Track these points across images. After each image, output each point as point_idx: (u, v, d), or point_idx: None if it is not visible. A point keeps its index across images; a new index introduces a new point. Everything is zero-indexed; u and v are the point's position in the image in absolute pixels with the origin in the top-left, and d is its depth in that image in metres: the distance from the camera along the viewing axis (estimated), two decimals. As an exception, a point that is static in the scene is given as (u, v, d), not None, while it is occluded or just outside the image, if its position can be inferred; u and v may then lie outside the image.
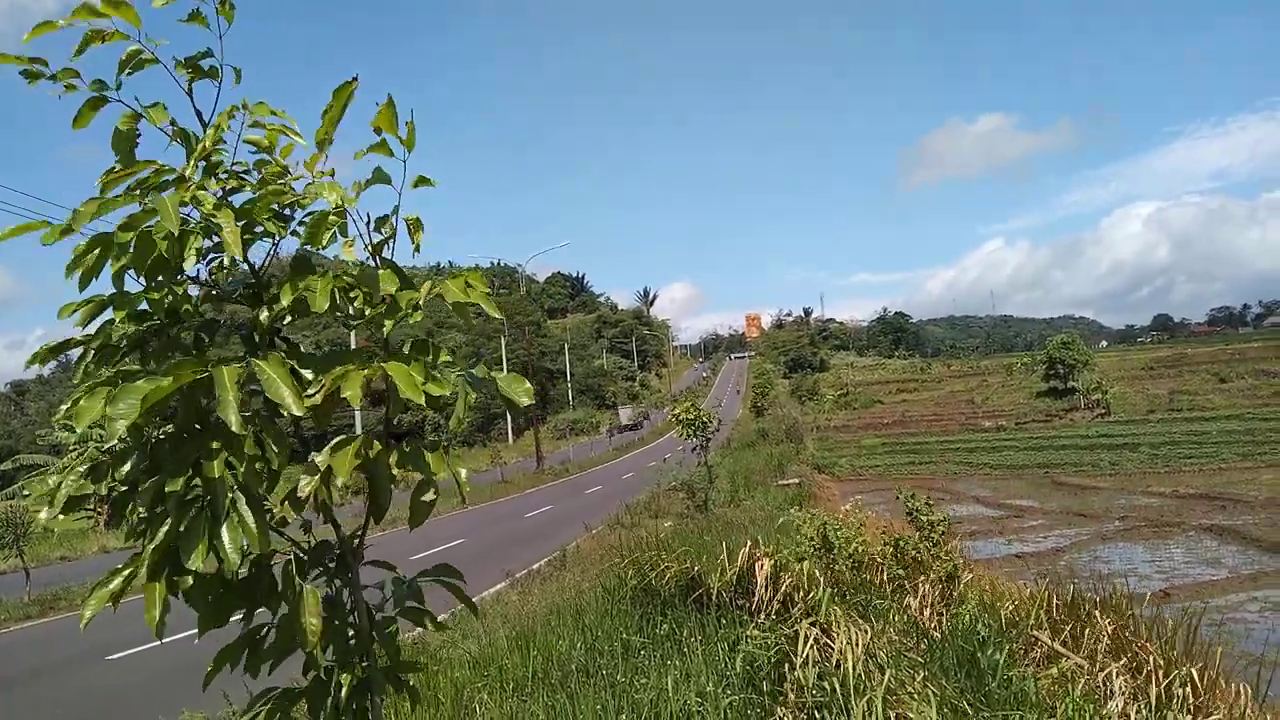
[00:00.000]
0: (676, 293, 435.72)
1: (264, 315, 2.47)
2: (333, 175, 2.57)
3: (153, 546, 2.22)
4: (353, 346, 2.70)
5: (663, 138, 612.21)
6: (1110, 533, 29.96)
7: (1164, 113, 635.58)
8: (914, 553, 9.40)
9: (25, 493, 41.65)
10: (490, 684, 7.33)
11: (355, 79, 2.51)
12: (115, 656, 12.85)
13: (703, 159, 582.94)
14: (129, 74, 2.42)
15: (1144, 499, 38.10)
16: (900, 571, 8.90)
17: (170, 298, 2.36)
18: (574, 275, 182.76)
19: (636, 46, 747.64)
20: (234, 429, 2.06)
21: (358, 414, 36.97)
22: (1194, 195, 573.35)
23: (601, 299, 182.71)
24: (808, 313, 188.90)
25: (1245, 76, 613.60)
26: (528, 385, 2.59)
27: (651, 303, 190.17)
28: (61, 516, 2.54)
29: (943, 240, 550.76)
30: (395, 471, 2.51)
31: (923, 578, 8.62)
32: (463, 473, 2.53)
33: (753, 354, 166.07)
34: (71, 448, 43.65)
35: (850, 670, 5.57)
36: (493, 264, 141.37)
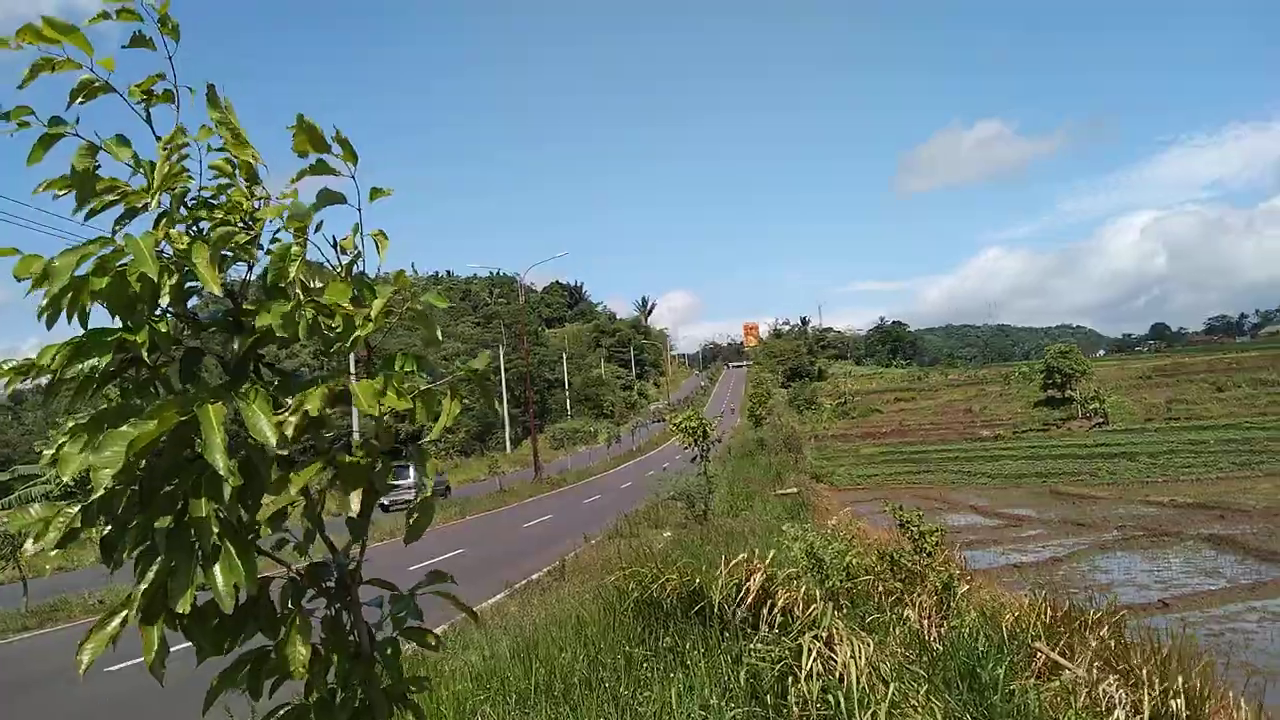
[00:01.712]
0: (674, 301, 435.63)
1: (236, 345, 2.46)
2: (296, 195, 2.54)
3: (144, 588, 2.20)
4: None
5: (660, 147, 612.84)
6: (1108, 542, 29.97)
7: (1161, 122, 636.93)
8: (909, 565, 9.44)
9: (21, 501, 41.56)
10: (493, 696, 7.34)
11: (211, 85, 2.50)
12: (115, 668, 12.81)
13: (700, 168, 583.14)
14: (82, 103, 2.37)
15: (1142, 508, 38.12)
16: (897, 585, 8.92)
17: (147, 334, 2.33)
18: (572, 284, 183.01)
19: (630, 54, 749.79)
20: (221, 473, 2.05)
21: (355, 427, 36.90)
22: (1191, 204, 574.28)
23: (600, 308, 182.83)
24: (805, 322, 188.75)
25: (1240, 86, 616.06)
26: (488, 354, 2.72)
27: (649, 312, 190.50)
28: (54, 553, 2.53)
29: (941, 248, 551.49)
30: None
31: (919, 589, 8.64)
32: (429, 483, 2.61)
33: (750, 363, 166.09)
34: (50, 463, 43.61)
35: (855, 684, 5.59)
36: (491, 273, 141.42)
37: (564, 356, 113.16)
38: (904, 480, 57.24)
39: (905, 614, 8.12)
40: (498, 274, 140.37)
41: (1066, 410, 74.57)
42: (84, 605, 19.15)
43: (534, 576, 17.60)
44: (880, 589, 8.78)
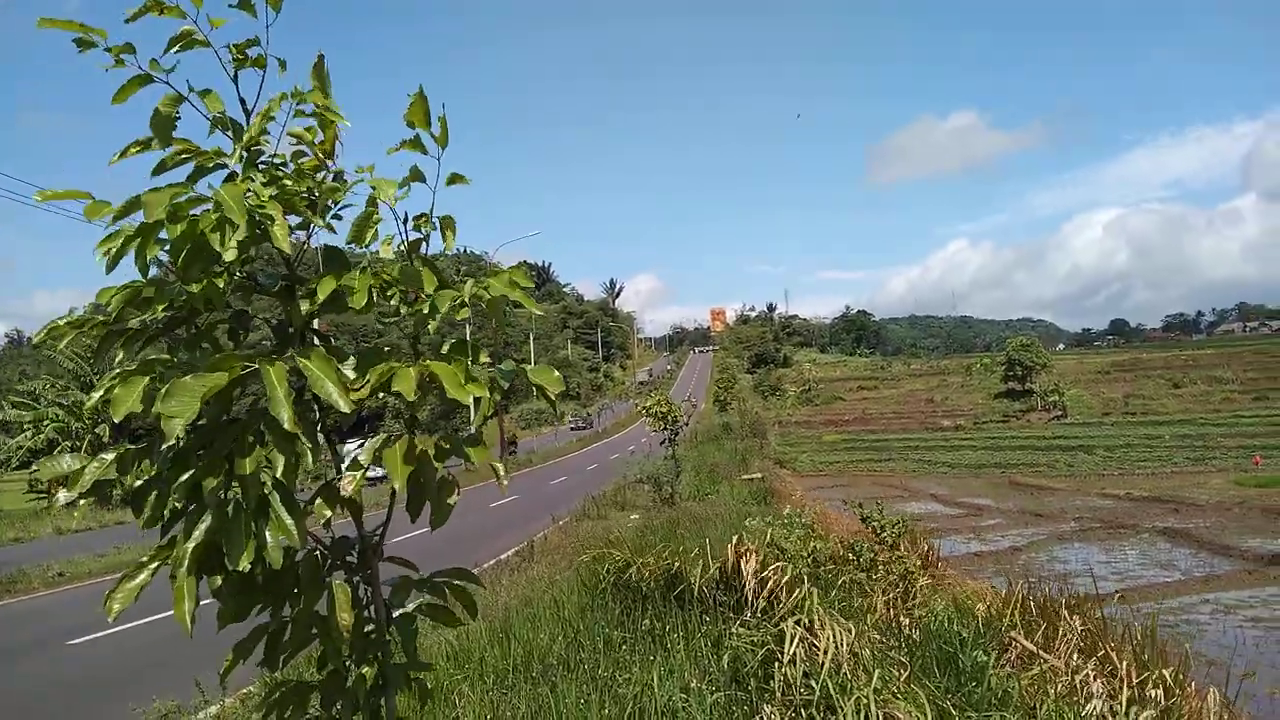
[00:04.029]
0: (642, 285, 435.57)
1: (303, 308, 2.45)
2: (372, 170, 2.53)
3: (193, 546, 2.18)
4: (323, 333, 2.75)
5: (630, 131, 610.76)
6: (1066, 533, 30.56)
7: (1126, 120, 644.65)
8: (870, 554, 9.59)
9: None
10: (471, 676, 7.32)
11: (321, 55, 2.50)
12: (78, 641, 12.64)
13: (671, 152, 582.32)
14: (178, 51, 2.36)
15: (1098, 501, 38.87)
16: (861, 575, 9.03)
17: (206, 290, 2.32)
18: (540, 264, 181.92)
19: (601, 39, 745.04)
20: (287, 427, 2.05)
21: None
22: (1152, 203, 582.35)
23: (567, 289, 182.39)
24: (772, 309, 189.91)
25: (1204, 89, 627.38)
26: (557, 375, 2.70)
27: (617, 294, 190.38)
28: (83, 502, 2.48)
29: (907, 239, 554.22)
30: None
31: (880, 576, 8.77)
32: (500, 468, 2.62)
33: (716, 348, 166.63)
34: (25, 427, 42.78)
35: (838, 669, 5.65)
36: (459, 251, 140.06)
37: (531, 337, 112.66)
38: (865, 468, 57.92)
39: (874, 602, 8.21)
40: (465, 252, 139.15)
41: (1026, 402, 75.74)
42: (43, 578, 18.81)
43: (502, 557, 17.56)
44: (846, 578, 8.85)
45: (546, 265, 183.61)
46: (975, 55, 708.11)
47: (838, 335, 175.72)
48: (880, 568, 9.59)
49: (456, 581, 3.02)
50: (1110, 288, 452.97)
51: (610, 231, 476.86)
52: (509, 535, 21.01)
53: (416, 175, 2.48)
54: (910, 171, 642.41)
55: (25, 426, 41.81)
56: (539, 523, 22.05)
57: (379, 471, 2.50)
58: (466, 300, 2.47)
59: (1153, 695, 6.25)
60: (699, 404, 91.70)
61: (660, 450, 26.05)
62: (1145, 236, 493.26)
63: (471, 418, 2.55)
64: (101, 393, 2.19)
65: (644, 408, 26.10)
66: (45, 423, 40.07)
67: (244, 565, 2.11)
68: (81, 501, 2.38)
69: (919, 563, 10.57)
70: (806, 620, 6.14)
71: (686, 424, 31.99)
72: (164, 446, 2.17)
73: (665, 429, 24.87)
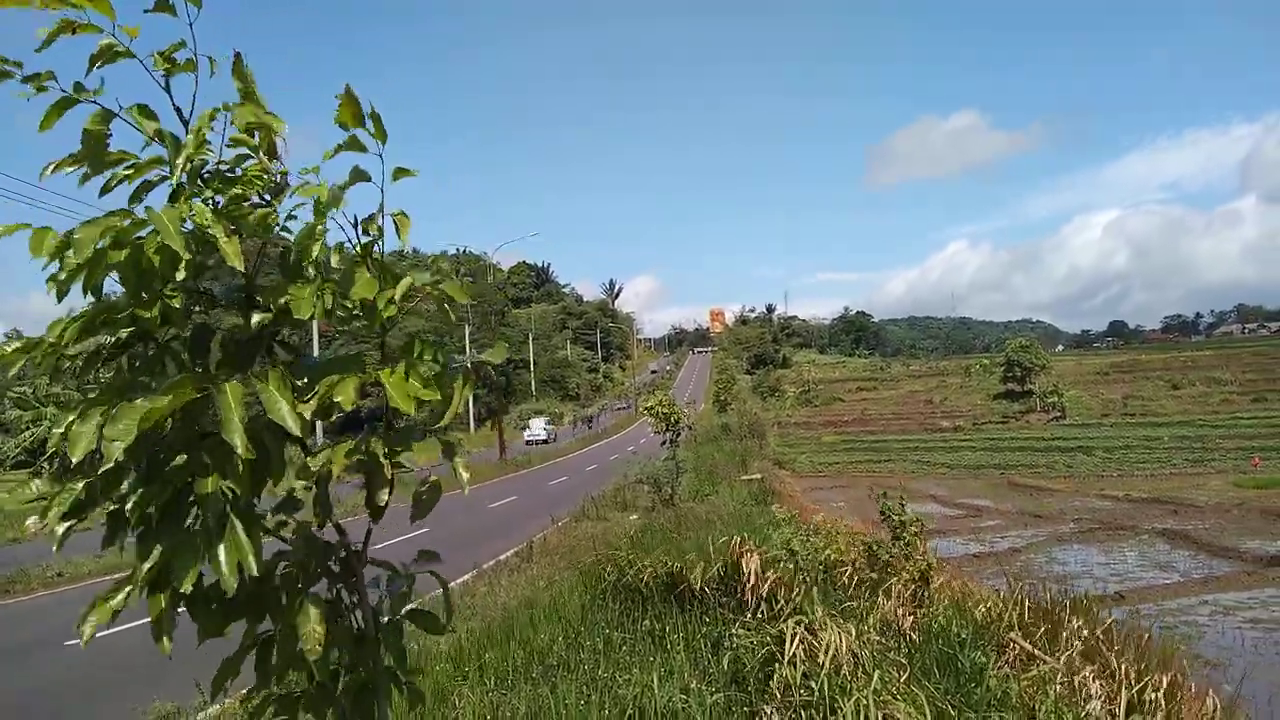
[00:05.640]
0: (641, 285, 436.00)
1: (254, 322, 2.41)
2: (317, 172, 2.49)
3: (148, 567, 2.14)
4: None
5: (632, 129, 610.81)
6: (1065, 534, 30.55)
7: (1125, 121, 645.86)
8: (886, 556, 9.55)
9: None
10: (470, 677, 7.32)
11: (238, 53, 2.42)
12: (76, 642, 12.59)
13: (671, 152, 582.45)
14: (101, 67, 2.28)
15: (1098, 502, 38.86)
16: (872, 575, 9.02)
17: (161, 309, 2.27)
18: (539, 265, 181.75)
19: (601, 39, 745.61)
20: (240, 453, 2.01)
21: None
22: (1151, 204, 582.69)
23: (566, 289, 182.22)
24: (771, 310, 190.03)
25: (1202, 90, 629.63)
26: (504, 348, 2.73)
27: (616, 295, 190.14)
28: (59, 530, 2.42)
29: (906, 240, 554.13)
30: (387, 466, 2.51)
31: (895, 579, 8.73)
32: (465, 475, 2.57)
33: (715, 349, 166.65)
34: (23, 428, 42.82)
35: (838, 670, 5.65)
36: (459, 251, 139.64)
37: (530, 337, 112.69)
38: (865, 469, 57.91)
39: (879, 602, 8.21)
40: (464, 252, 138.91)
41: (1025, 403, 75.72)
42: (42, 578, 18.80)
43: (501, 557, 17.52)
44: (855, 578, 8.85)
45: (546, 266, 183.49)
46: (976, 56, 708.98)
47: (837, 336, 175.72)
48: (896, 568, 9.53)
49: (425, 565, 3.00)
50: (1109, 289, 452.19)
51: (610, 231, 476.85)
52: (508, 536, 20.99)
53: (360, 175, 2.42)
54: (910, 172, 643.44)
55: (23, 426, 41.85)
56: (538, 523, 22.02)
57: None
58: (396, 299, 2.44)
59: (1152, 697, 6.25)
60: (698, 404, 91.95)
61: (660, 451, 26.01)
62: (1144, 238, 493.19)
63: (449, 417, 2.52)
64: (63, 429, 2.16)
65: (646, 408, 26.07)
66: (41, 422, 40.13)
67: (186, 587, 2.09)
68: (59, 530, 2.32)
69: (935, 561, 10.51)
70: (808, 621, 6.14)
71: (690, 427, 32.07)
72: (101, 470, 2.14)
73: (667, 430, 24.82)
